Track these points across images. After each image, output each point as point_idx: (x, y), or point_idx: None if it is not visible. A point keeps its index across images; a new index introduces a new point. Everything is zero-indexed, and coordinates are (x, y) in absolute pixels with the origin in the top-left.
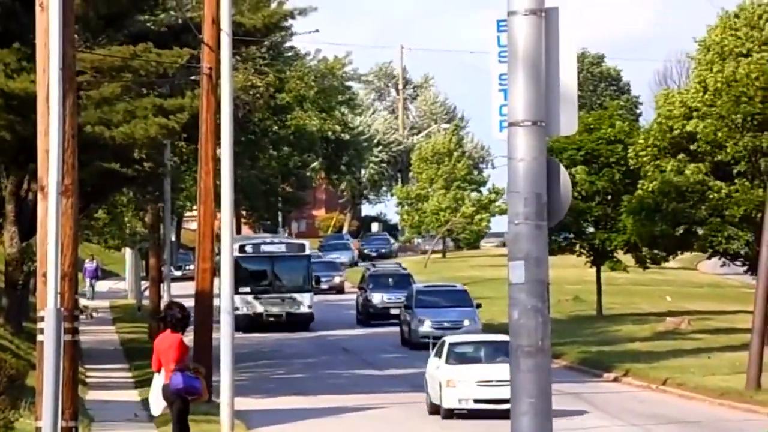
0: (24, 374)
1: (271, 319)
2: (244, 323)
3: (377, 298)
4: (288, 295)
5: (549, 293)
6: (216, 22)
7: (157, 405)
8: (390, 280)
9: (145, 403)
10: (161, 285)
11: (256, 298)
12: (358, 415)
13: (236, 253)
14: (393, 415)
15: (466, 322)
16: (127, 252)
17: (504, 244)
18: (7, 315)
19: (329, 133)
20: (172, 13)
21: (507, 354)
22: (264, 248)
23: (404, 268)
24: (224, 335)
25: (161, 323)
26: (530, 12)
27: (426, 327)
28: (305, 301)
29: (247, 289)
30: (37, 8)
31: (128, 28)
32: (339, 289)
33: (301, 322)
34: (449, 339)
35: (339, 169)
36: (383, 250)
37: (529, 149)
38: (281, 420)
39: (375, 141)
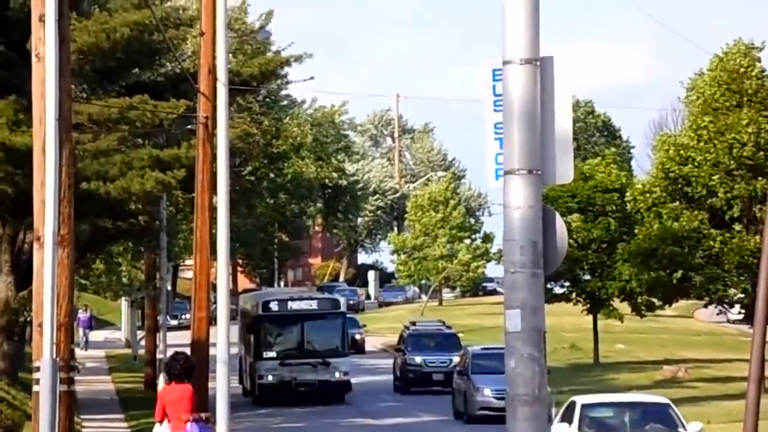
0: (20, 425)
1: (302, 388)
2: (271, 393)
3: (418, 361)
4: (321, 360)
5: (545, 341)
6: (212, 71)
7: None
8: (432, 341)
9: None
10: (157, 334)
11: (283, 364)
12: None
13: (259, 312)
14: None
15: None
16: (124, 302)
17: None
18: (3, 365)
19: (326, 180)
20: (168, 64)
21: (658, 419)
22: (292, 305)
23: (448, 327)
24: (220, 384)
25: (165, 374)
26: (525, 61)
27: (485, 396)
28: (341, 367)
29: (273, 354)
30: (34, 59)
31: (125, 80)
32: (359, 348)
33: (336, 392)
34: (581, 400)
35: (336, 215)
36: (351, 302)
37: (525, 198)
38: None
39: (371, 188)
